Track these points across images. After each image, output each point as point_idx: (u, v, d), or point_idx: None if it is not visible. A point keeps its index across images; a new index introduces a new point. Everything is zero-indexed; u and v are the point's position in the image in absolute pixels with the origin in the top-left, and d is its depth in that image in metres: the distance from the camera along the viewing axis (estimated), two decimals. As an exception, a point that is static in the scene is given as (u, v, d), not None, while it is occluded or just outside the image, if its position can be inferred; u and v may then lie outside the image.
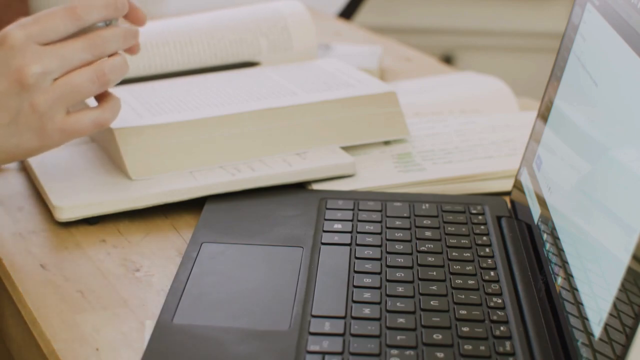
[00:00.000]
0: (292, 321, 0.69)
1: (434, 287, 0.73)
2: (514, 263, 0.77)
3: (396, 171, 0.93)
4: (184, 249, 0.80)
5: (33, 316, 0.73)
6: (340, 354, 0.65)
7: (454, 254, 0.78)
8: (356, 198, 0.88)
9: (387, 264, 0.77)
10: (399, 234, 0.82)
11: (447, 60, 2.69)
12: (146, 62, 1.06)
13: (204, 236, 0.81)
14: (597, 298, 0.61)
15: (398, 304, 0.71)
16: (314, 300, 0.71)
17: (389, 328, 0.68)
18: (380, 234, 0.82)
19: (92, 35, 0.81)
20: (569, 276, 0.68)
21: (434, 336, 0.67)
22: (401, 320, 0.69)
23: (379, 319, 0.69)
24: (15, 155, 0.82)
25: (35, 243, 0.83)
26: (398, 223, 0.83)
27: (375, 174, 0.93)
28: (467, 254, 0.78)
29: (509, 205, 0.88)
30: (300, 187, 0.92)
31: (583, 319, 0.63)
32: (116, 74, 0.82)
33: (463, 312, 0.70)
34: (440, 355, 0.65)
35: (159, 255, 0.81)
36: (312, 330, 0.68)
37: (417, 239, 0.81)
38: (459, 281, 0.74)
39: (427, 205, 0.87)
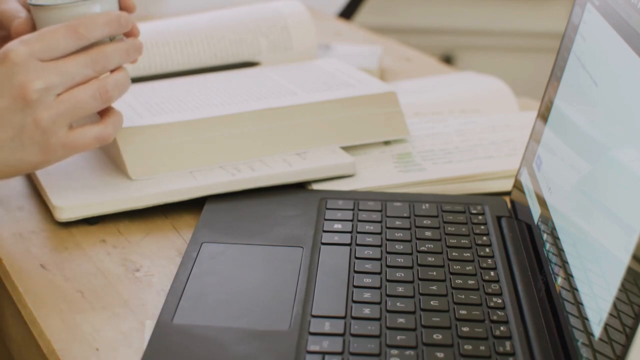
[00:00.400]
0: (292, 321, 0.69)
1: (434, 287, 0.73)
2: (514, 263, 0.77)
3: (396, 171, 0.93)
4: (184, 249, 0.80)
5: (33, 316, 0.73)
6: (340, 354, 0.65)
7: (454, 254, 0.78)
8: (356, 198, 0.88)
9: (387, 264, 0.77)
10: (399, 234, 0.82)
11: (447, 60, 2.69)
12: (146, 62, 1.06)
13: (204, 236, 0.81)
14: (597, 298, 0.61)
15: (398, 304, 0.71)
16: (314, 300, 0.71)
17: (389, 328, 0.68)
18: (380, 234, 0.82)
19: (95, 51, 0.82)
20: (569, 276, 0.68)
21: (434, 336, 0.67)
22: (401, 320, 0.69)
23: (379, 319, 0.69)
24: (19, 169, 0.82)
25: (35, 243, 0.83)
26: (398, 223, 0.83)
27: (375, 174, 0.93)
28: (467, 254, 0.78)
29: (509, 205, 0.88)
30: (300, 187, 0.92)
31: (583, 319, 0.63)
32: (119, 90, 0.83)
33: (463, 312, 0.70)
34: (440, 355, 0.65)
35: (159, 255, 0.81)
36: (312, 330, 0.68)
37: (417, 239, 0.81)
38: (459, 281, 0.74)
39: (427, 205, 0.87)
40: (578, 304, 0.65)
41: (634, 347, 0.55)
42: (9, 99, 0.79)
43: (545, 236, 0.76)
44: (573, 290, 0.66)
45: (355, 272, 0.75)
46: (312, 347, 0.66)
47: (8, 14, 0.87)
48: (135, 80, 1.04)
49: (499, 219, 0.85)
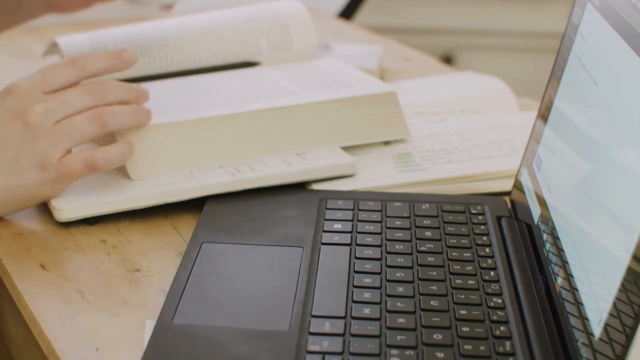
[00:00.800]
0: (292, 321, 0.69)
1: (434, 287, 0.73)
2: (514, 263, 0.77)
3: (396, 171, 0.93)
4: (184, 249, 0.80)
5: (33, 316, 0.73)
6: (340, 354, 0.65)
7: (454, 254, 0.78)
8: (356, 198, 0.88)
9: (387, 264, 0.77)
10: (399, 234, 0.82)
11: (447, 60, 2.69)
12: (146, 62, 1.06)
13: (204, 236, 0.81)
14: (597, 298, 0.61)
15: (398, 304, 0.71)
16: (314, 300, 0.71)
17: (389, 328, 0.68)
18: (380, 234, 0.82)
19: (95, 82, 0.87)
20: (569, 276, 0.68)
21: (434, 336, 0.67)
22: (401, 320, 0.69)
23: (379, 319, 0.69)
24: (16, 198, 0.83)
25: (35, 243, 0.83)
26: (398, 223, 0.83)
27: (375, 174, 0.93)
28: (467, 254, 0.78)
29: (509, 205, 0.88)
30: (300, 187, 0.92)
31: (583, 319, 0.63)
32: (115, 117, 0.85)
33: (463, 312, 0.70)
34: (440, 355, 0.65)
35: (159, 255, 0.81)
36: (312, 330, 0.68)
37: (417, 239, 0.81)
38: (459, 281, 0.74)
39: (427, 205, 0.87)
40: (578, 304, 0.65)
41: (634, 347, 0.55)
42: (12, 125, 0.83)
43: (545, 236, 0.76)
44: (573, 290, 0.66)
45: (355, 272, 0.75)
46: (312, 347, 0.66)
47: None
48: (136, 80, 1.04)
49: (499, 219, 0.85)
